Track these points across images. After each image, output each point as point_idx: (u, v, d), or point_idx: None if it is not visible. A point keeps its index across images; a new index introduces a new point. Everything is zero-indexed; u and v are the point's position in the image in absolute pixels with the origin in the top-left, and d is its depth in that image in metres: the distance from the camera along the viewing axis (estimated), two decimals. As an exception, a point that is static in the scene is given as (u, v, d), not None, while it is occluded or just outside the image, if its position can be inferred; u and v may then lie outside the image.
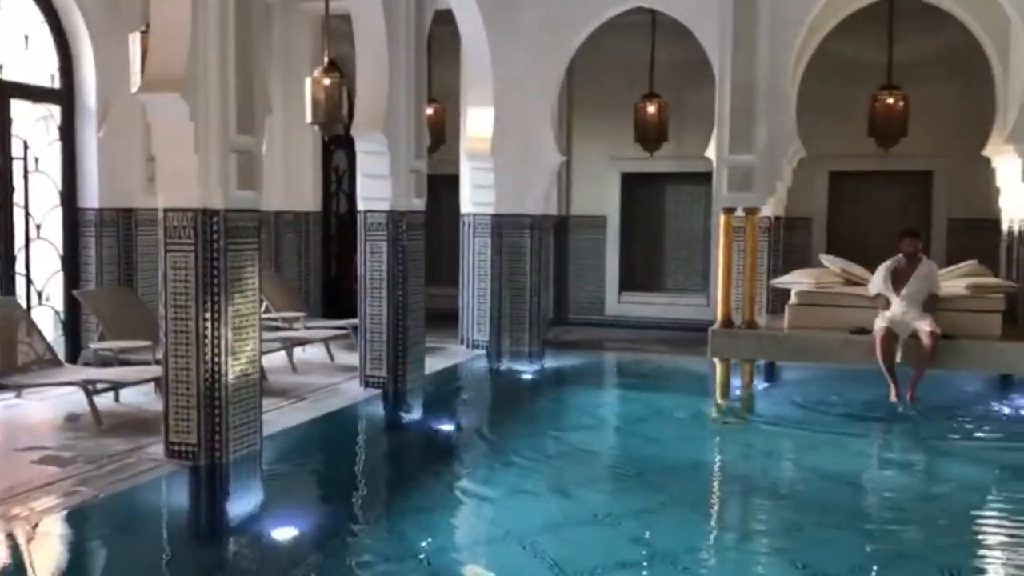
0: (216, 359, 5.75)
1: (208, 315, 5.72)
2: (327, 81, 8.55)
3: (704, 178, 8.74)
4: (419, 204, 8.39)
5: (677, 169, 12.44)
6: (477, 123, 10.33)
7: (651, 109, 11.43)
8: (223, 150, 5.79)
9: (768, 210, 9.85)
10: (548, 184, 10.98)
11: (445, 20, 9.79)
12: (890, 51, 10.44)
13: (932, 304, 8.07)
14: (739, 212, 8.58)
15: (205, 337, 5.73)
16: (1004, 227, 9.62)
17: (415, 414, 8.22)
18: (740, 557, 5.09)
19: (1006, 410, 8.29)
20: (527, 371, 10.14)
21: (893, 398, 7.92)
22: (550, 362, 10.51)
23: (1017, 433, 7.56)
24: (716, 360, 8.60)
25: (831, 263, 9.03)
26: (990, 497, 6.18)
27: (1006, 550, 5.27)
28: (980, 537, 5.44)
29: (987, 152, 9.50)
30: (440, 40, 10.78)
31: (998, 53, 9.34)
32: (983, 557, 5.16)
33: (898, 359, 8.05)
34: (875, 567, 4.86)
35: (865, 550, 5.05)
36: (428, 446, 7.44)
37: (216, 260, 5.73)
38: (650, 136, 11.50)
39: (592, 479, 6.35)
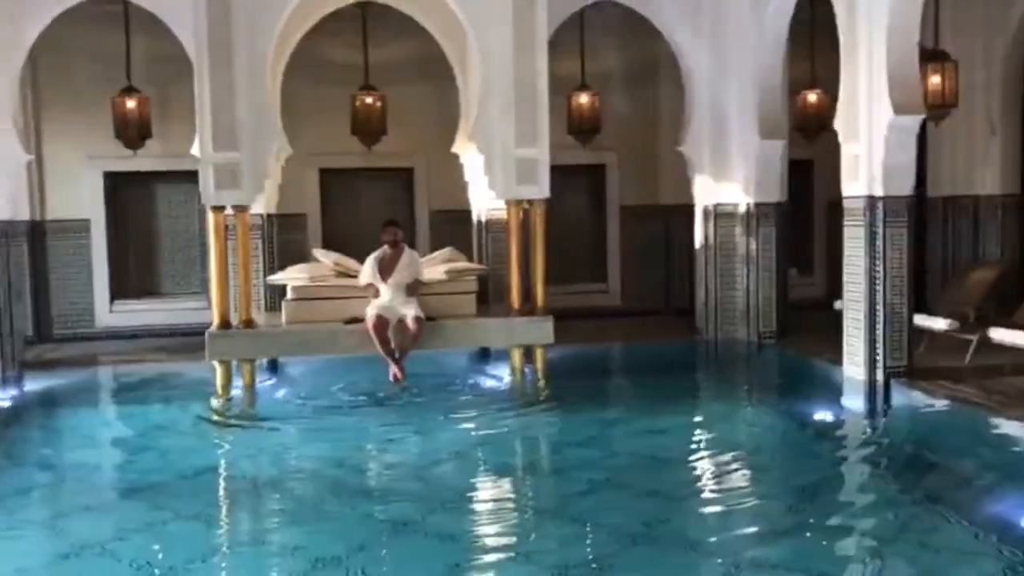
0: None
1: None
2: None
3: (195, 176, 8.46)
4: None
5: (166, 167, 11.85)
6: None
7: (131, 104, 10.78)
8: None
9: (260, 207, 9.85)
10: (14, 186, 9.79)
11: None
12: (366, 53, 11.03)
13: (416, 289, 8.72)
14: (230, 210, 8.46)
15: None
16: (474, 217, 10.72)
17: None
18: (250, 560, 5.02)
19: (485, 381, 9.26)
20: (2, 399, 8.98)
21: (393, 378, 8.44)
22: (32, 385, 9.41)
23: (494, 401, 8.48)
24: (216, 363, 8.41)
25: (324, 257, 9.32)
26: (477, 463, 6.85)
27: (494, 512, 5.86)
28: (471, 501, 5.99)
29: (456, 149, 10.48)
30: None
31: (459, 59, 10.32)
32: (474, 520, 5.67)
33: (393, 344, 8.58)
34: (379, 542, 5.10)
35: (372, 528, 5.29)
36: None
37: None
38: (132, 133, 10.85)
39: (86, 506, 5.81)
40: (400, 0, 10.02)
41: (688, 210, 11.14)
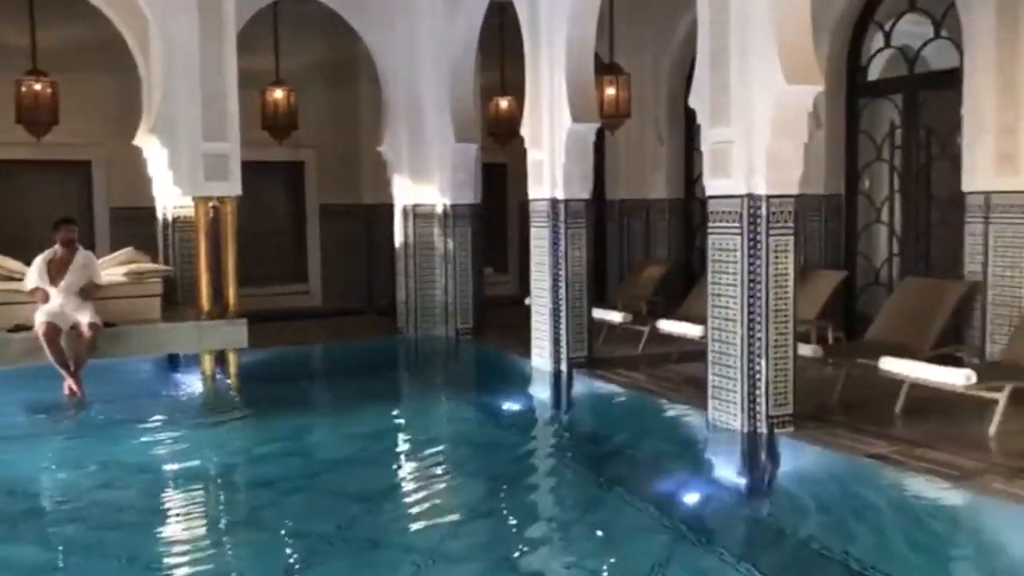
0: None
1: None
2: None
3: None
4: None
5: None
6: None
7: None
8: None
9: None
10: None
11: None
12: (33, 35, 10.03)
13: (91, 293, 8.06)
14: None
15: None
16: (159, 214, 10.08)
17: None
18: None
19: (173, 390, 8.76)
20: None
21: (68, 390, 7.77)
22: None
23: (183, 411, 8.03)
24: None
25: (-18, 259, 8.39)
26: (163, 478, 6.43)
27: (184, 528, 5.55)
28: (159, 519, 5.62)
29: (138, 142, 9.82)
30: None
31: (140, 46, 9.65)
32: (163, 539, 5.34)
33: (67, 354, 7.88)
34: (54, 569, 4.70)
35: (47, 555, 4.87)
36: None
37: None
38: None
39: None
40: (74, -20, 9.22)
41: (389, 210, 11.21)
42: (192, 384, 8.72)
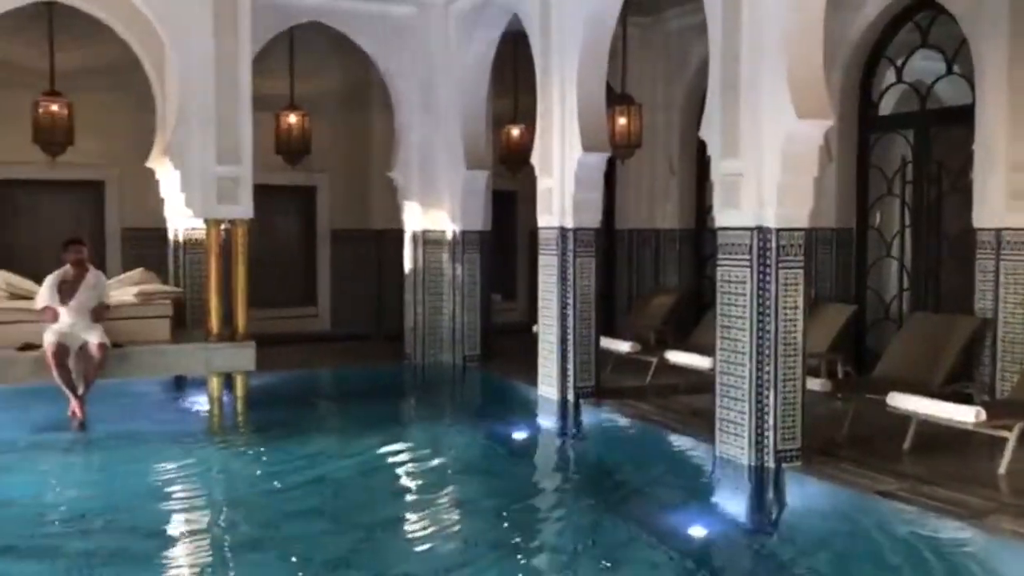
0: None
1: None
2: None
3: None
4: None
5: None
6: None
7: None
8: None
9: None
10: None
11: None
12: (52, 57, 10.13)
13: (102, 314, 8.08)
14: None
15: None
16: (170, 235, 10.12)
17: None
18: None
19: (180, 412, 8.74)
20: None
21: (71, 412, 7.77)
22: None
23: (189, 433, 8.01)
24: None
25: (-5, 277, 8.43)
26: (169, 500, 6.39)
27: (190, 549, 5.49)
28: (164, 539, 5.60)
29: (151, 163, 9.88)
30: None
31: (156, 71, 9.74)
32: (168, 558, 5.29)
33: (75, 375, 7.89)
34: None
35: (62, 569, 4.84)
36: None
37: None
38: None
39: None
40: (92, 4, 9.29)
41: (399, 235, 11.23)
42: (198, 407, 8.70)
